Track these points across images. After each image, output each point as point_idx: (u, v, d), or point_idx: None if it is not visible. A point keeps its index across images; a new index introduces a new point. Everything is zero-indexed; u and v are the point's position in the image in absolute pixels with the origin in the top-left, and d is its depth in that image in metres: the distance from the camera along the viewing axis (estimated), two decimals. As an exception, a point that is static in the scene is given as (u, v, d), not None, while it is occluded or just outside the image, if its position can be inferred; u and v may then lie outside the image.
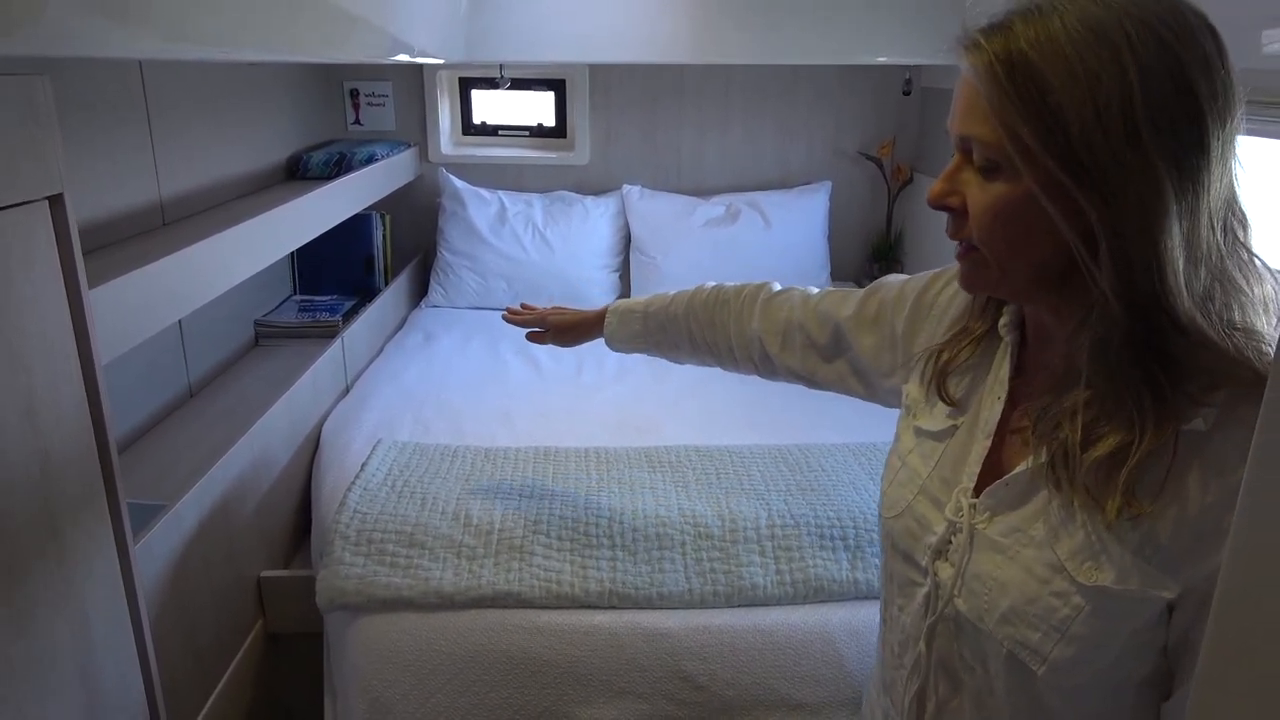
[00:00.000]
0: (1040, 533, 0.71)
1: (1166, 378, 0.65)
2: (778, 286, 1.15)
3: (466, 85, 3.05)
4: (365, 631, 1.32)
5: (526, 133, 3.12)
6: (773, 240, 2.74)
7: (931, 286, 0.92)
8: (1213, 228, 0.65)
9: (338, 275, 2.68)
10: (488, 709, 1.30)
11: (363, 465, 1.63)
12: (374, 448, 1.69)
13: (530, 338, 1.38)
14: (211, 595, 1.52)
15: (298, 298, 2.58)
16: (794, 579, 1.37)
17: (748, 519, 1.46)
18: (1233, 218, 0.66)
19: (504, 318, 1.40)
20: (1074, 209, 0.65)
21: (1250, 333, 0.65)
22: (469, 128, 3.12)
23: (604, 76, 2.92)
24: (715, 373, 2.20)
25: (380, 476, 1.58)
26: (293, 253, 2.55)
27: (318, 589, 1.32)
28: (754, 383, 2.13)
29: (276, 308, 2.47)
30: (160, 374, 1.81)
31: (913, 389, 0.88)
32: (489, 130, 3.12)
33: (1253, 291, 0.66)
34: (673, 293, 1.24)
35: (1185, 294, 0.64)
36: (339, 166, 2.49)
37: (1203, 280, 0.65)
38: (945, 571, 0.77)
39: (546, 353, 2.37)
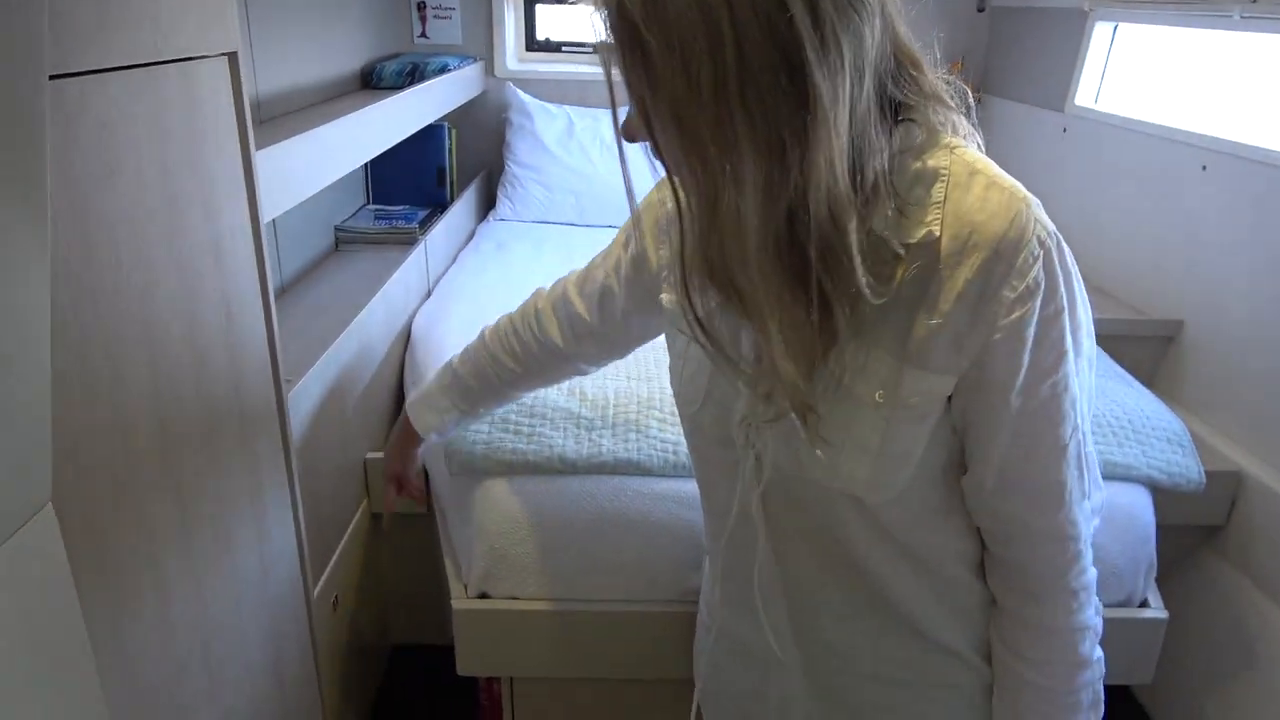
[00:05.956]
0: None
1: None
2: (547, 287, 1.20)
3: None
4: (489, 495, 1.39)
5: (590, 49, 3.11)
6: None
7: (656, 194, 0.93)
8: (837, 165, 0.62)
9: (410, 186, 2.71)
10: (607, 570, 1.37)
11: (471, 350, 1.68)
12: (481, 334, 1.74)
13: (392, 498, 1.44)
14: (328, 473, 1.59)
15: (372, 207, 2.63)
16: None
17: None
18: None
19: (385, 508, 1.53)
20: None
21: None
22: (532, 43, 3.12)
23: (670, -9, 2.91)
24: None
25: (490, 359, 1.63)
26: (366, 164, 2.59)
27: (447, 454, 1.38)
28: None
29: (352, 215, 2.52)
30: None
31: (667, 297, 0.87)
32: (552, 46, 3.12)
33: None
34: (455, 361, 1.32)
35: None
36: (412, 77, 2.51)
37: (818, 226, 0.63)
38: (763, 437, 0.78)
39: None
